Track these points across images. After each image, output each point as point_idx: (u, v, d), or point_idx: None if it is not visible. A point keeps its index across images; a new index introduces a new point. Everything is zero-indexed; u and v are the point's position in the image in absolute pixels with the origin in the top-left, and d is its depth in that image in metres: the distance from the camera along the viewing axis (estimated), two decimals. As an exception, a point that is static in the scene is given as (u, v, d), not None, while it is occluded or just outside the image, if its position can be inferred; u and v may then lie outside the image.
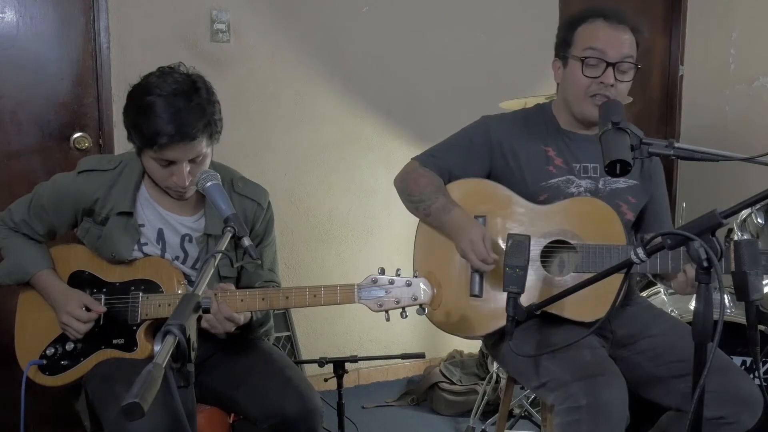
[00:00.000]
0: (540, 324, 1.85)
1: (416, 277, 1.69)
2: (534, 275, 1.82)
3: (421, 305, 1.68)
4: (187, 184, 1.73)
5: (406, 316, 1.69)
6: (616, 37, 1.83)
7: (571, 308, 1.79)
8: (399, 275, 1.69)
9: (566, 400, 1.64)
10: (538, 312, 1.64)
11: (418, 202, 1.91)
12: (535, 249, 1.83)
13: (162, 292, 1.79)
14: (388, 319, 1.69)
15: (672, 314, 2.39)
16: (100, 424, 1.78)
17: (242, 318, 1.75)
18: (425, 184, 1.91)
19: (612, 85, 1.82)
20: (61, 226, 1.88)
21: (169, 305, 1.76)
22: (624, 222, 1.87)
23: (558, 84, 1.97)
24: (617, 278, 1.44)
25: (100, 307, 1.79)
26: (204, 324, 1.68)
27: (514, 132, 1.95)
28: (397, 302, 1.67)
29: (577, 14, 1.92)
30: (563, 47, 1.91)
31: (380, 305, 1.67)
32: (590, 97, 1.84)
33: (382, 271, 1.69)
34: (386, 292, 1.67)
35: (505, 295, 1.61)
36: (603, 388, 1.62)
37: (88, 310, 1.78)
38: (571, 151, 1.93)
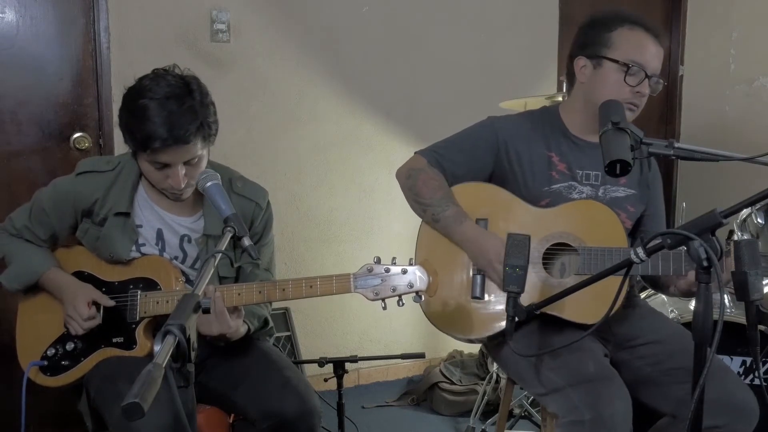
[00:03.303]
0: (541, 328, 1.84)
1: (412, 264, 1.69)
2: (535, 277, 1.82)
3: (417, 292, 1.67)
4: (183, 186, 1.73)
5: (403, 304, 1.68)
6: (656, 51, 1.83)
7: (571, 310, 1.78)
8: (395, 264, 1.68)
9: (570, 413, 1.63)
10: (538, 312, 1.63)
11: (426, 206, 1.89)
12: (537, 251, 1.83)
13: (160, 290, 1.79)
14: (384, 308, 1.68)
15: (672, 314, 2.39)
16: (102, 424, 1.78)
17: (233, 324, 1.73)
18: (435, 188, 1.89)
19: (644, 95, 1.82)
20: (62, 230, 1.88)
21: (167, 302, 1.76)
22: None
23: (578, 83, 1.91)
24: (618, 280, 1.43)
25: (108, 301, 1.79)
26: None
27: (520, 135, 1.92)
28: (394, 290, 1.66)
29: (610, 15, 1.87)
30: (595, 47, 1.85)
31: (376, 294, 1.66)
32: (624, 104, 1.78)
33: (378, 260, 1.68)
34: (382, 280, 1.66)
35: (505, 298, 1.61)
36: (607, 403, 1.61)
37: (96, 305, 1.78)
38: (575, 156, 1.91)
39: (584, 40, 1.90)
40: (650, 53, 1.83)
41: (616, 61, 1.82)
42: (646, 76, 1.81)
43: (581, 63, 1.89)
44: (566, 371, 1.70)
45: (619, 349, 1.89)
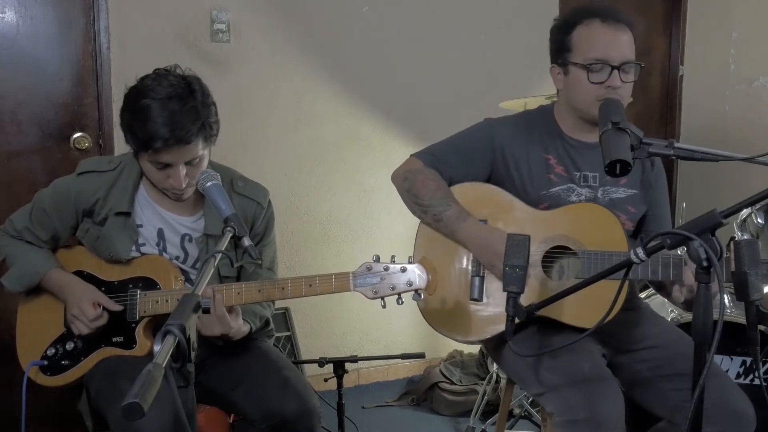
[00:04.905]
0: (541, 331, 1.83)
1: (411, 263, 1.68)
2: (535, 280, 1.81)
3: (416, 291, 1.67)
4: (184, 186, 1.73)
5: (402, 303, 1.68)
6: (616, 38, 1.79)
7: (570, 314, 1.77)
8: (394, 262, 1.68)
9: (565, 412, 1.64)
10: (537, 312, 1.63)
11: (426, 207, 1.87)
12: (537, 254, 1.81)
13: (160, 289, 1.79)
14: (384, 306, 1.68)
15: (672, 314, 2.39)
16: (102, 423, 1.78)
17: (234, 324, 1.73)
18: (434, 189, 1.87)
19: (618, 87, 1.78)
20: (63, 230, 1.88)
21: (167, 302, 1.76)
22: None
23: (558, 89, 1.92)
24: (618, 284, 1.43)
25: (115, 306, 1.79)
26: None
27: (517, 138, 1.91)
28: (393, 288, 1.66)
29: (568, 17, 1.85)
30: (561, 53, 1.85)
31: (375, 292, 1.66)
32: (599, 101, 1.75)
33: (377, 259, 1.68)
34: (381, 278, 1.66)
35: (504, 300, 1.60)
36: (601, 402, 1.61)
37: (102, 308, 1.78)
38: (572, 158, 1.90)
39: (552, 47, 1.90)
40: (611, 43, 1.78)
41: (576, 64, 1.81)
42: (613, 68, 1.77)
43: (555, 71, 1.90)
44: (562, 371, 1.70)
45: (619, 351, 1.88)
